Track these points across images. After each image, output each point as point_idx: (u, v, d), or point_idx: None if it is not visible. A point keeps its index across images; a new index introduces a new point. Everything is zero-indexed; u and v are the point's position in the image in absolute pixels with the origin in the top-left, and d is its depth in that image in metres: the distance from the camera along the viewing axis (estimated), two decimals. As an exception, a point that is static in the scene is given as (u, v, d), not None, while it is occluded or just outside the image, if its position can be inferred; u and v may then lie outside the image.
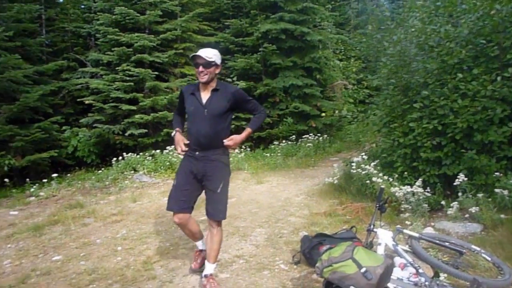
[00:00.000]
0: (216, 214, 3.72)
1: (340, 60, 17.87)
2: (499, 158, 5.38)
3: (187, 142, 3.77)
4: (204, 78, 3.64)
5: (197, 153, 3.72)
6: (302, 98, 12.58)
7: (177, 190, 3.79)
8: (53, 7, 12.95)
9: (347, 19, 21.20)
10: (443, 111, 5.55)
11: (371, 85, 7.05)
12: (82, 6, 13.85)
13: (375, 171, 6.19)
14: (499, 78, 5.23)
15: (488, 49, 5.51)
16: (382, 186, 4.35)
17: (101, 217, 6.39)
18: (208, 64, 3.63)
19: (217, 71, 3.77)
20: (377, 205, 3.85)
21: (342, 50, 18.82)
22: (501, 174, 5.23)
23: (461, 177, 5.30)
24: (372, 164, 6.38)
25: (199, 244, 4.22)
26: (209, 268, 3.81)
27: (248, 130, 3.95)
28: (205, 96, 3.72)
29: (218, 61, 3.75)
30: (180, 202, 3.76)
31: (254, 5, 12.82)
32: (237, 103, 3.83)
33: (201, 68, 3.62)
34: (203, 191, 3.85)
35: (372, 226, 3.75)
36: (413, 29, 6.53)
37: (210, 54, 3.66)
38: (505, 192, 4.97)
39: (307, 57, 12.61)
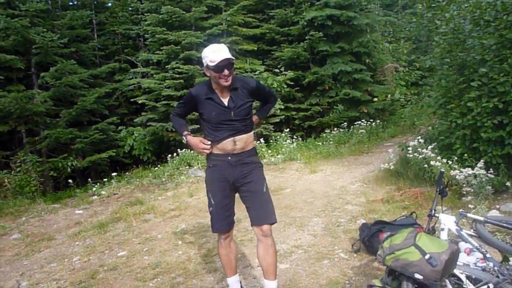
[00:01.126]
0: (269, 216, 3.28)
1: (389, 42, 17.38)
2: None
3: (208, 142, 3.28)
4: (229, 81, 3.15)
5: (229, 158, 3.26)
6: (352, 84, 12.36)
7: (219, 207, 3.34)
8: (102, 11, 13.50)
9: (394, 0, 20.53)
10: (504, 88, 5.27)
11: (424, 66, 6.80)
12: (130, 8, 14.28)
13: (433, 155, 6.00)
14: None
15: (551, 19, 5.18)
16: (442, 170, 4.20)
17: (160, 212, 6.60)
18: (231, 65, 3.12)
19: (234, 71, 3.32)
20: (438, 190, 3.73)
21: (391, 32, 18.30)
22: None
23: (527, 156, 5.04)
24: (429, 147, 6.19)
25: (234, 283, 3.56)
26: (271, 286, 3.32)
27: (255, 119, 3.60)
28: (224, 97, 3.23)
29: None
30: (226, 218, 3.36)
31: (298, -7, 12.69)
32: (257, 96, 3.48)
33: (226, 71, 3.08)
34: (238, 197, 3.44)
35: (433, 211, 3.65)
36: (466, 5, 6.23)
37: (228, 52, 3.13)
38: None
39: (355, 42, 12.37)
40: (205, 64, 3.15)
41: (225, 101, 3.22)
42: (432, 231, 3.63)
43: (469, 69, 5.93)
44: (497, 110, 5.39)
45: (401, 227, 3.97)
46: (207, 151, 3.29)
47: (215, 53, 3.07)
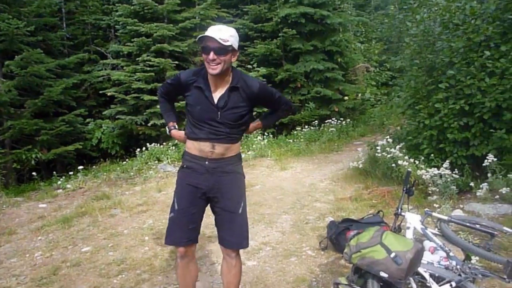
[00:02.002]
0: (240, 242, 2.88)
1: (361, 42, 17.57)
2: (529, 137, 5.23)
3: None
4: (216, 69, 2.64)
5: (206, 162, 2.79)
6: (324, 82, 12.44)
7: (182, 215, 2.84)
8: (72, 0, 13.08)
9: (367, 0, 20.80)
10: (470, 91, 5.41)
11: (394, 67, 6.91)
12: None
13: (400, 154, 6.10)
14: (528, 55, 5.06)
15: (517, 25, 5.33)
16: (409, 169, 4.28)
17: (127, 207, 6.47)
18: (223, 50, 2.62)
19: (234, 59, 2.76)
20: (404, 188, 3.77)
21: (363, 32, 18.52)
22: (532, 154, 5.09)
23: (490, 157, 5.17)
24: (398, 147, 6.29)
25: None
26: None
27: (258, 124, 3.16)
28: (217, 93, 2.77)
29: (236, 45, 2.74)
30: (188, 231, 2.86)
31: (272, -11, 12.68)
32: (261, 103, 3.02)
33: (212, 55, 2.60)
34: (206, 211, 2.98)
35: (399, 210, 3.69)
36: (436, 8, 6.36)
37: (226, 35, 2.65)
38: (538, 171, 4.84)
39: (327, 40, 12.43)
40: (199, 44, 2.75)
41: (216, 96, 2.76)
42: (398, 230, 3.68)
43: (437, 71, 6.06)
44: (463, 112, 5.53)
45: (368, 225, 4.00)
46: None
47: (209, 31, 2.65)
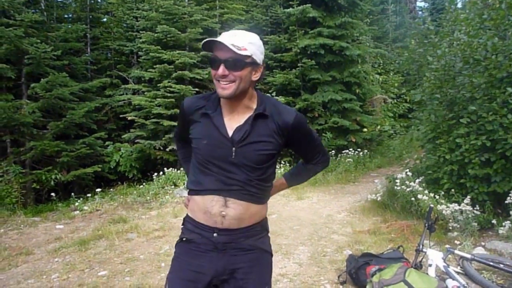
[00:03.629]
0: None
1: (379, 74, 17.68)
2: (552, 175, 5.16)
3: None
4: (227, 90, 1.84)
5: (215, 235, 1.93)
6: (341, 112, 12.48)
7: None
8: (97, 26, 13.51)
9: (385, 33, 21.03)
10: (492, 127, 5.37)
11: (413, 99, 6.93)
12: (125, 25, 14.33)
13: (420, 188, 6.04)
14: (551, 92, 5.04)
15: (539, 62, 5.33)
16: (431, 205, 4.23)
17: (143, 232, 6.48)
18: (238, 62, 1.81)
19: (256, 76, 1.91)
20: (426, 225, 3.74)
21: (381, 64, 18.64)
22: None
23: (513, 195, 5.10)
24: (417, 181, 6.23)
25: None
26: None
27: (283, 184, 2.29)
28: (233, 121, 1.93)
29: (259, 56, 1.90)
30: None
31: (292, 21, 12.87)
32: (293, 144, 2.07)
33: (222, 69, 1.81)
34: None
35: (421, 246, 3.65)
36: (457, 42, 6.39)
37: (243, 41, 1.83)
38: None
39: (346, 71, 12.54)
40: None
41: (231, 126, 1.92)
42: (419, 266, 3.63)
43: (458, 106, 6.04)
44: (485, 148, 5.47)
45: (389, 260, 3.96)
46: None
47: (221, 37, 1.84)
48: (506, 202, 5.16)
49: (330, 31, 12.12)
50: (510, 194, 5.13)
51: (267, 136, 1.91)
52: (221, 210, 1.88)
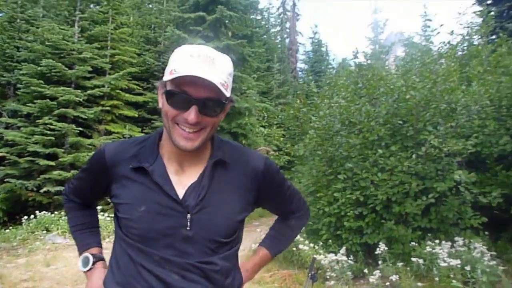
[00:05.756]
0: None
1: (263, 127, 18.57)
2: (414, 228, 5.82)
3: None
4: (194, 141, 1.29)
5: None
6: (227, 162, 12.79)
7: None
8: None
9: (270, 89, 22.33)
10: (365, 183, 5.96)
11: (297, 154, 7.43)
12: (5, 54, 13.30)
13: (301, 238, 6.36)
14: (414, 156, 5.78)
15: (404, 129, 6.11)
16: (315, 256, 4.51)
17: (9, 283, 5.86)
18: (217, 105, 1.29)
19: (223, 117, 1.42)
20: (309, 274, 3.96)
21: (266, 118, 19.62)
22: (416, 244, 5.62)
23: (382, 246, 5.61)
24: (299, 231, 6.55)
25: None
26: None
27: (265, 255, 1.76)
28: (182, 175, 1.37)
29: (229, 91, 1.30)
30: None
31: (184, 69, 13.12)
32: (268, 194, 1.53)
33: (193, 115, 1.24)
34: None
35: (305, 295, 3.84)
36: (336, 105, 7.06)
37: (223, 73, 1.25)
38: (420, 260, 5.33)
39: (233, 122, 13.03)
40: (164, 78, 1.29)
41: (180, 183, 1.35)
42: (302, 315, 3.81)
43: (337, 162, 6.61)
44: (359, 202, 6.03)
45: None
46: None
47: (191, 59, 1.23)
48: (376, 252, 5.66)
49: (220, 84, 12.56)
50: (379, 246, 5.65)
51: (232, 192, 1.38)
52: None
